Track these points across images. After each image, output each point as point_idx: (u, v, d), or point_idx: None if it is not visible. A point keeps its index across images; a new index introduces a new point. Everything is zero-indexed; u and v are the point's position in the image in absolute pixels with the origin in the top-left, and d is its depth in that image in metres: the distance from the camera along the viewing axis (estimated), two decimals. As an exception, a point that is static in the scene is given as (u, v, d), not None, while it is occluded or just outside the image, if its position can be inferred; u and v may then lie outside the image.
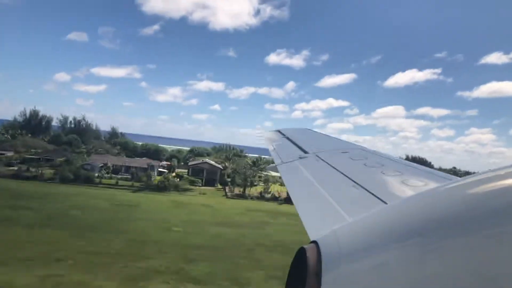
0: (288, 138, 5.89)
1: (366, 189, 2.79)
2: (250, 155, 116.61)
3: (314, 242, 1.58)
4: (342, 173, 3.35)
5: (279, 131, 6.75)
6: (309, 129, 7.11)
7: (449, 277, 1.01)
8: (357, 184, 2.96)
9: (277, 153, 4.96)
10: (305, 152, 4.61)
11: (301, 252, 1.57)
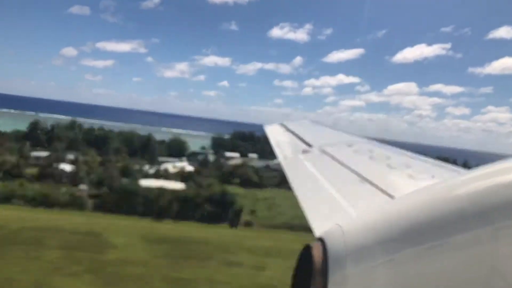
0: (291, 132, 5.76)
1: (372, 183, 2.72)
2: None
3: (320, 239, 1.53)
4: (347, 167, 3.27)
5: (282, 124, 6.62)
6: (314, 122, 7.00)
7: (459, 272, 1.00)
8: (363, 178, 2.89)
9: (280, 147, 4.86)
10: (309, 145, 4.51)
11: (307, 250, 1.52)
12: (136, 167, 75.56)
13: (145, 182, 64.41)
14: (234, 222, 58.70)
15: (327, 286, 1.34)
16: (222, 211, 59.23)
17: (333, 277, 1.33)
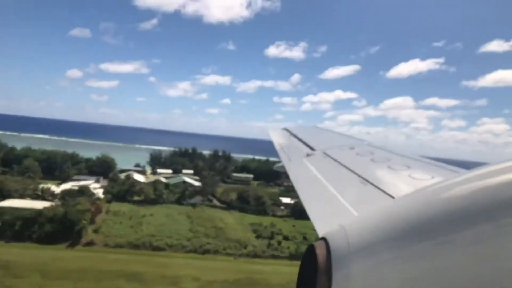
0: (295, 136, 5.79)
1: (373, 185, 2.81)
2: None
3: (323, 238, 1.58)
4: (349, 169, 3.37)
5: (285, 129, 6.62)
6: (316, 126, 7.04)
7: (461, 269, 1.01)
8: (365, 179, 2.97)
9: (284, 151, 4.87)
10: (312, 149, 4.57)
11: (311, 249, 1.56)
12: (23, 186, 71.41)
13: (5, 203, 61.00)
14: (73, 242, 56.29)
15: (331, 284, 1.39)
16: (63, 230, 56.80)
17: (337, 275, 1.39)
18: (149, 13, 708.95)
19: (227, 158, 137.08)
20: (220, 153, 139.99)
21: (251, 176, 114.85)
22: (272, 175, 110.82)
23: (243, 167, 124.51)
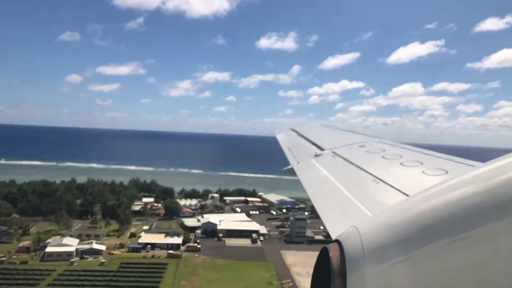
0: (302, 136, 5.72)
1: (386, 182, 2.80)
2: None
3: (336, 241, 1.57)
4: (360, 167, 3.35)
5: (292, 129, 6.66)
6: (324, 124, 7.00)
7: (479, 266, 1.00)
8: (377, 178, 2.97)
9: (292, 152, 4.80)
10: (321, 149, 4.51)
11: (324, 252, 1.57)
12: None
13: None
14: None
15: (346, 287, 1.38)
16: None
17: (351, 278, 1.37)
18: (131, 12, 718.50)
19: None
20: None
21: None
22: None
23: None
